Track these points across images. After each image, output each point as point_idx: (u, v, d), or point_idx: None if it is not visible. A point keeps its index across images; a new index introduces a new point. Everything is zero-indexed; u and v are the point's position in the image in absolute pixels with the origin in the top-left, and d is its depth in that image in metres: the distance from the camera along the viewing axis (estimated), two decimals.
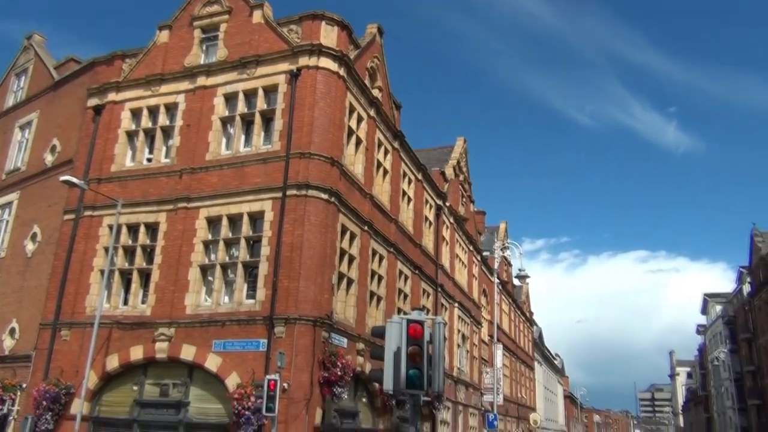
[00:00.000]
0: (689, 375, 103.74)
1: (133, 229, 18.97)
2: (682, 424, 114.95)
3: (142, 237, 18.74)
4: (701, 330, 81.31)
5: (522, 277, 28.29)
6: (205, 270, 17.65)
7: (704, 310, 77.85)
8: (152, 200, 18.70)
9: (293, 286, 16.14)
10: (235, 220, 17.70)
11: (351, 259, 18.60)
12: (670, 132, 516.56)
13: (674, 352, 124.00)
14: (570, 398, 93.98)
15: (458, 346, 30.28)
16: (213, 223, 17.92)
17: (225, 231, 17.65)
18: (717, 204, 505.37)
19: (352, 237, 18.74)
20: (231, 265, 17.45)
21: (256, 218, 17.45)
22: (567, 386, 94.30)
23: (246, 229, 17.43)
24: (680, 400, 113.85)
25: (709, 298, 75.10)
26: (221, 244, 17.55)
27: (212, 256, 17.69)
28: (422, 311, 7.88)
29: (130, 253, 18.93)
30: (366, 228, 19.52)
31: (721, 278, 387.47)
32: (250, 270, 17.23)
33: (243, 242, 17.34)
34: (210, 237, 17.85)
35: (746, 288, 55.75)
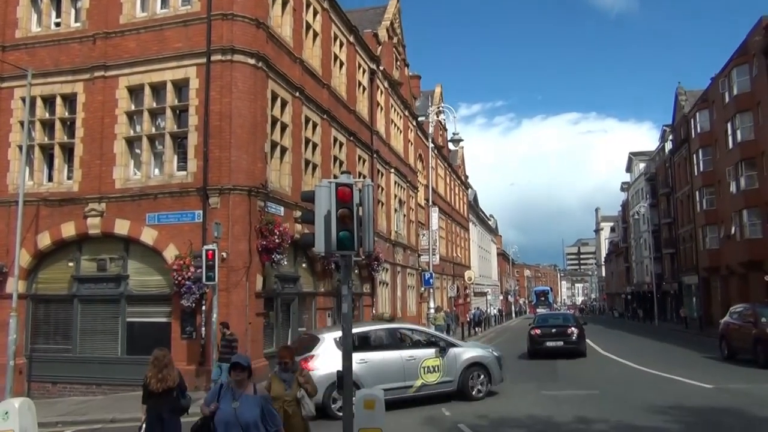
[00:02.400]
0: (612, 229, 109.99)
1: (48, 101, 17.88)
2: (603, 274, 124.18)
3: (60, 109, 17.75)
4: (625, 187, 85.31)
5: (456, 141, 28.45)
6: (132, 142, 17.05)
7: (629, 168, 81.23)
8: (66, 69, 17.50)
9: (225, 155, 15.87)
10: (158, 89, 16.87)
11: (284, 127, 18.27)
12: None
13: (599, 209, 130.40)
14: (503, 256, 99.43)
15: (395, 210, 31.05)
16: (135, 92, 17.04)
17: (148, 101, 16.87)
18: (646, 65, 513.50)
19: (284, 104, 18.27)
20: (158, 136, 16.88)
21: (180, 86, 16.68)
22: (500, 245, 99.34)
23: (171, 98, 16.69)
24: (603, 252, 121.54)
25: (633, 156, 77.98)
26: (146, 115, 16.85)
27: (137, 128, 17.04)
28: (350, 174, 7.89)
29: (48, 126, 17.99)
30: (297, 94, 19.01)
31: (647, 137, 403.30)
32: (179, 141, 16.75)
33: (169, 112, 16.67)
34: (133, 107, 17.06)
35: (668, 146, 58.06)
